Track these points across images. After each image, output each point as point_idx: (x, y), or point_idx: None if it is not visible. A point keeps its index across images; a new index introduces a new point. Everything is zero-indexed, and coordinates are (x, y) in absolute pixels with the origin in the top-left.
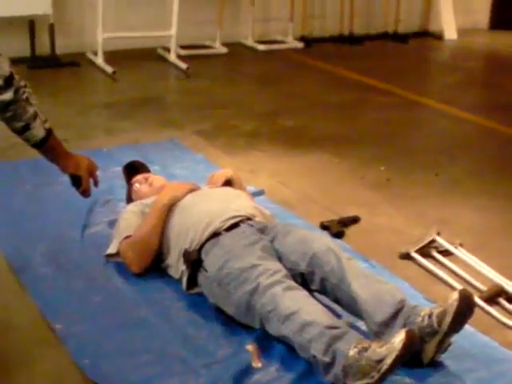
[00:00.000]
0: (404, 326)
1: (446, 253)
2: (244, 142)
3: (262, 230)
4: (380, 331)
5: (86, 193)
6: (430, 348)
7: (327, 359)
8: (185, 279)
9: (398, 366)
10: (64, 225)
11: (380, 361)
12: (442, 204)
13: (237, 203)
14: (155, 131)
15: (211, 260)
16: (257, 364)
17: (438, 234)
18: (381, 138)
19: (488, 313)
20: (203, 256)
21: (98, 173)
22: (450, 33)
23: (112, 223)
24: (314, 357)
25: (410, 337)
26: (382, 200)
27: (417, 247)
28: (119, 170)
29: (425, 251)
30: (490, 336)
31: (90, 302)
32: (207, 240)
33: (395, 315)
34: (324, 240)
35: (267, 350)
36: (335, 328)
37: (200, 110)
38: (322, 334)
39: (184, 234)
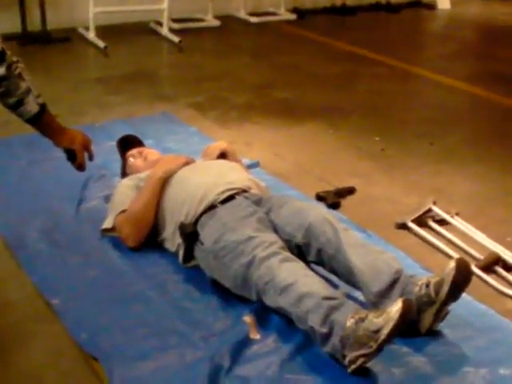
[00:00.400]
0: (401, 295)
1: (442, 222)
2: (237, 115)
3: (258, 202)
4: (377, 301)
5: (81, 167)
6: (427, 317)
7: (325, 330)
8: (181, 252)
9: (395, 336)
10: (59, 200)
11: (377, 331)
12: (437, 173)
13: (232, 175)
14: (148, 105)
15: (207, 233)
16: (255, 335)
17: (434, 203)
18: (375, 109)
19: (485, 281)
20: (199, 229)
21: (93, 147)
22: (443, 2)
23: (107, 198)
24: (312, 328)
25: (406, 306)
26: (377, 170)
27: (413, 217)
28: (113, 144)
29: (421, 221)
30: (486, 304)
31: (86, 277)
32: (203, 213)
33: (392, 285)
34: (320, 211)
35: (264, 321)
36: (332, 299)
37: (193, 83)
38: (319, 305)
39: (179, 206)
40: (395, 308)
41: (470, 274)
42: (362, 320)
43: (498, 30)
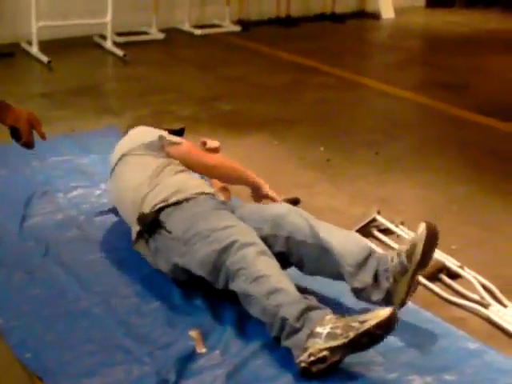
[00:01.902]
0: (377, 267)
1: (387, 231)
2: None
3: (224, 203)
4: (355, 272)
5: (28, 144)
6: (401, 287)
7: (297, 325)
8: (134, 232)
9: (377, 332)
10: (2, 217)
11: (363, 321)
12: (382, 182)
13: (198, 181)
14: (93, 119)
15: (176, 221)
16: (201, 349)
17: (379, 212)
18: (320, 119)
19: (430, 289)
20: (163, 218)
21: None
22: (387, 12)
23: (50, 214)
24: (284, 319)
25: (393, 314)
26: (322, 180)
27: (357, 227)
28: (56, 160)
29: (366, 230)
30: (432, 312)
31: (30, 295)
32: (168, 206)
33: (368, 257)
34: (283, 204)
35: (210, 334)
36: (310, 301)
37: (138, 97)
38: (297, 301)
39: (142, 195)
40: (383, 311)
41: (438, 234)
42: (343, 316)
43: (442, 38)
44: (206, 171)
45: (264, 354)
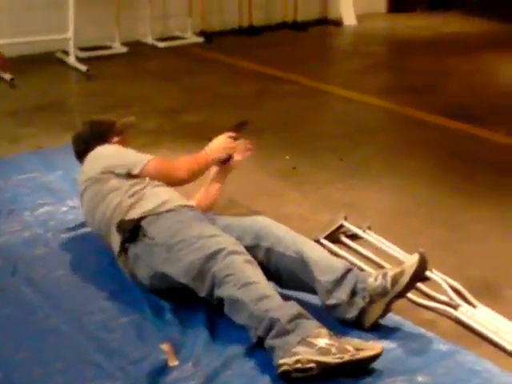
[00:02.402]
0: (355, 284)
1: (354, 237)
2: (148, 140)
3: (204, 215)
4: (332, 289)
5: None
6: (376, 309)
7: (288, 327)
8: (117, 244)
9: (366, 363)
10: None
11: (359, 349)
12: (348, 188)
13: (181, 196)
14: (58, 136)
15: (160, 228)
16: (173, 362)
17: (346, 218)
18: (285, 127)
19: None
20: (145, 226)
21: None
22: (349, 18)
23: (17, 232)
24: (275, 320)
25: (380, 354)
26: (288, 188)
27: (325, 234)
28: (22, 177)
29: (334, 237)
30: (402, 315)
31: (0, 314)
32: (148, 215)
33: (345, 274)
34: (263, 217)
35: (182, 347)
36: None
37: (102, 111)
38: (290, 306)
39: (125, 208)
40: (377, 345)
41: (426, 268)
42: (339, 337)
43: (405, 42)
44: (186, 176)
45: (236, 365)
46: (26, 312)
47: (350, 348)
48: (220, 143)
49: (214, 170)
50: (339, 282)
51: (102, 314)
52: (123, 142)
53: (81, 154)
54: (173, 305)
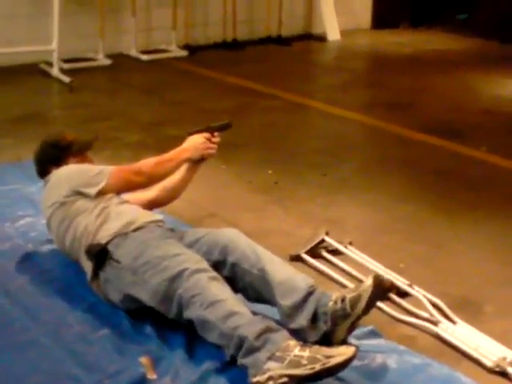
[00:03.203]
0: (316, 309)
1: (335, 252)
2: (130, 154)
3: (172, 230)
4: (291, 313)
5: None
6: (341, 331)
7: (257, 344)
8: (90, 270)
9: (338, 370)
10: None
11: (329, 356)
12: (330, 203)
13: (146, 211)
14: None
15: (125, 250)
16: (152, 376)
17: (327, 233)
18: (267, 142)
19: (379, 308)
20: (112, 249)
21: None
22: (333, 34)
23: None
24: (243, 338)
25: (354, 357)
26: (270, 203)
27: (306, 248)
28: (2, 189)
29: (315, 252)
30: (382, 330)
31: None
32: (115, 236)
33: (306, 298)
34: (232, 230)
35: (161, 360)
36: (269, 323)
37: (83, 124)
38: (257, 321)
39: (93, 232)
40: (341, 358)
41: (386, 289)
42: (309, 346)
43: (388, 59)
44: (146, 179)
45: (213, 379)
46: (2, 324)
47: (320, 357)
48: (196, 143)
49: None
50: (300, 306)
51: (80, 327)
52: (82, 162)
53: (40, 174)
54: (152, 319)
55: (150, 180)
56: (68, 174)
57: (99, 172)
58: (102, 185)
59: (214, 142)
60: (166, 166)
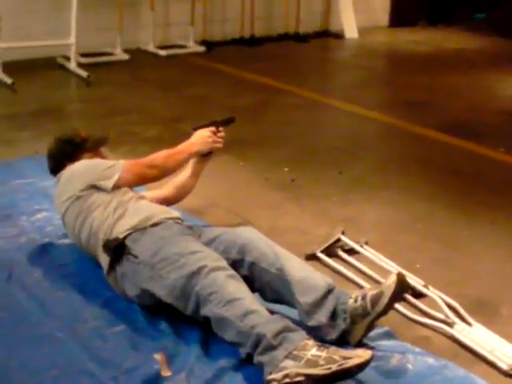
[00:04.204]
0: (335, 306)
1: (351, 251)
2: (148, 149)
3: (190, 228)
4: (311, 310)
5: None
6: (359, 329)
7: (274, 342)
8: (106, 263)
9: (355, 372)
10: None
11: (347, 358)
12: (346, 202)
13: (165, 208)
14: None
15: (143, 246)
16: (166, 373)
17: (343, 232)
18: (284, 139)
19: (395, 308)
20: (130, 244)
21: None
22: (351, 32)
23: (13, 238)
24: (260, 336)
25: (370, 360)
26: (287, 201)
27: (322, 247)
28: (19, 182)
29: (331, 251)
30: (397, 331)
31: None
32: (133, 231)
33: (326, 295)
34: (251, 229)
35: (176, 357)
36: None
37: (101, 118)
38: (275, 321)
39: (110, 226)
40: (366, 353)
41: (407, 288)
42: (326, 347)
43: (405, 57)
44: (158, 173)
45: (228, 377)
46: (19, 318)
47: (337, 358)
48: (203, 137)
49: (190, 161)
50: (319, 303)
51: (95, 322)
52: (97, 157)
53: (53, 171)
54: (167, 315)
55: (163, 173)
56: (81, 168)
57: (112, 165)
58: (115, 178)
59: (219, 136)
60: (177, 159)
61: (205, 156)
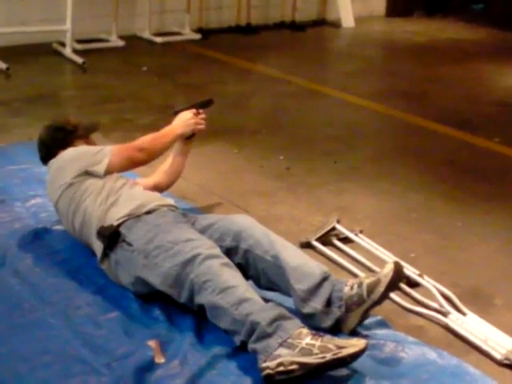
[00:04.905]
0: (330, 293)
1: (346, 240)
2: (142, 136)
3: (184, 215)
4: (306, 297)
5: None
6: (353, 317)
7: (269, 330)
8: (100, 251)
9: (350, 360)
10: None
11: (341, 347)
12: (341, 191)
13: (158, 196)
14: None
15: (137, 233)
16: (160, 359)
17: (338, 221)
18: (280, 127)
19: (389, 298)
20: (124, 231)
21: None
22: (348, 21)
23: (7, 223)
24: (256, 323)
25: (365, 349)
26: (281, 189)
27: (317, 235)
28: (13, 168)
29: (325, 239)
30: (391, 321)
31: None
32: (128, 219)
33: (321, 283)
34: (245, 216)
35: (169, 344)
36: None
37: (96, 105)
38: (270, 308)
39: (104, 212)
40: (360, 341)
41: (403, 277)
42: (321, 336)
43: (401, 47)
44: (147, 156)
45: (222, 364)
46: (12, 304)
47: (331, 346)
48: (186, 119)
49: (175, 145)
50: (314, 290)
51: (89, 308)
52: (88, 144)
53: (44, 159)
54: (161, 302)
55: (151, 156)
56: (72, 155)
57: (99, 150)
58: (106, 162)
59: (201, 118)
60: (163, 142)
61: (188, 138)
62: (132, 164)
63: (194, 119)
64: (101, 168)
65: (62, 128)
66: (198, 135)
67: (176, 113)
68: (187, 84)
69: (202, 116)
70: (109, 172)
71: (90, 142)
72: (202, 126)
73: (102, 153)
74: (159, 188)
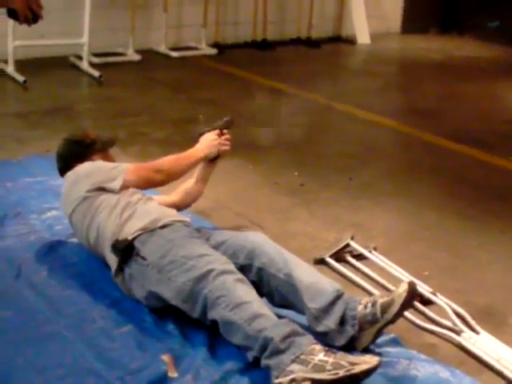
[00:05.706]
0: (344, 312)
1: (360, 257)
2: (157, 150)
3: (198, 231)
4: (320, 316)
5: (27, 23)
6: (367, 335)
7: (282, 346)
8: (114, 264)
9: (362, 377)
10: None
11: (354, 363)
12: (355, 208)
13: (174, 212)
14: None
15: (151, 248)
16: (173, 374)
17: (352, 238)
18: (295, 143)
19: (403, 316)
20: (138, 245)
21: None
22: (363, 37)
23: (23, 235)
24: (268, 339)
25: (377, 366)
26: (296, 205)
27: (331, 252)
28: (30, 180)
29: (339, 256)
30: (404, 338)
31: (0, 318)
32: (142, 233)
33: (335, 301)
34: (259, 234)
35: (182, 358)
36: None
37: (112, 118)
38: (283, 324)
39: (119, 226)
40: (373, 359)
41: (417, 297)
42: (334, 352)
43: (417, 64)
44: (165, 177)
45: (235, 380)
46: (26, 316)
47: (344, 363)
48: (210, 141)
49: (198, 167)
50: (328, 309)
51: (103, 322)
52: (105, 159)
53: (61, 171)
54: (174, 317)
55: (169, 178)
56: (87, 170)
57: (115, 167)
58: (120, 179)
59: (225, 139)
60: (184, 164)
61: (212, 160)
62: (148, 184)
63: (218, 140)
64: (115, 185)
65: (80, 141)
66: (221, 157)
67: (201, 134)
68: (202, 99)
69: (227, 137)
70: (124, 188)
71: (108, 157)
72: (227, 147)
73: (117, 169)
74: (175, 207)
